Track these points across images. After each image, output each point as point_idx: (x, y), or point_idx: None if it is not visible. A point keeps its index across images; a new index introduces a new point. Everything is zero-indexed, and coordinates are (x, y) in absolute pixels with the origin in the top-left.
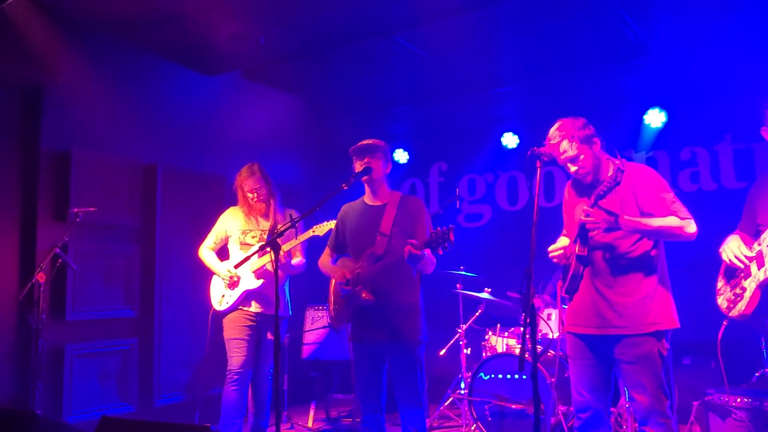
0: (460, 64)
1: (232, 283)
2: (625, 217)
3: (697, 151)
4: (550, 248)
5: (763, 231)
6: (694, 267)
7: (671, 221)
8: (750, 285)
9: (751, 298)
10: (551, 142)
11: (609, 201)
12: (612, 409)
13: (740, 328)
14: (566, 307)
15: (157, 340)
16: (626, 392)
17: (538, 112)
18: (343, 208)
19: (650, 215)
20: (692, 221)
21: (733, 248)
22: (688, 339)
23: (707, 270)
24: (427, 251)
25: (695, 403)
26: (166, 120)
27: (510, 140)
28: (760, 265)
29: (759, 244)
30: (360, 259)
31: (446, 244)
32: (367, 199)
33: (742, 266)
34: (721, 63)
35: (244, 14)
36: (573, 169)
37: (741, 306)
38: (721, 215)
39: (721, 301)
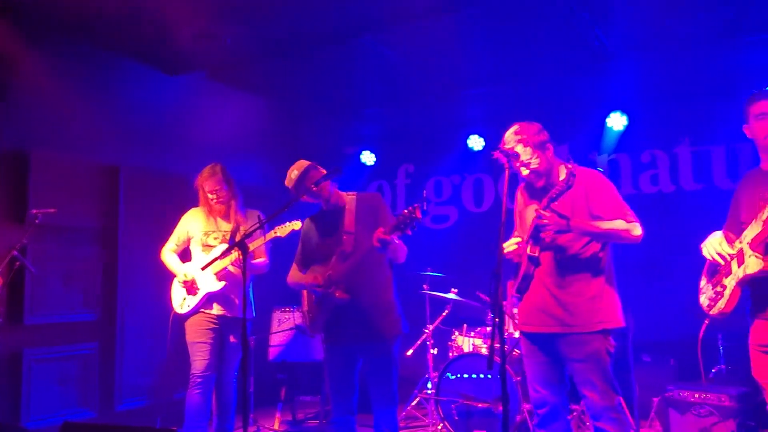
0: (427, 66)
1: (189, 289)
2: (576, 220)
3: (657, 153)
4: (505, 244)
5: (745, 229)
6: (654, 268)
7: (618, 224)
8: (730, 283)
9: (731, 296)
10: (506, 145)
11: (561, 204)
12: (575, 407)
13: (699, 326)
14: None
15: (119, 344)
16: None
17: (504, 115)
18: (305, 222)
19: (599, 218)
20: (638, 224)
21: (714, 244)
22: (648, 337)
23: (666, 270)
24: (395, 237)
25: (655, 399)
26: (130, 120)
27: (476, 143)
28: (740, 263)
29: (740, 242)
30: (329, 262)
31: (414, 224)
32: (326, 207)
33: (722, 262)
34: (680, 68)
35: (210, 13)
36: (525, 172)
37: (721, 304)
38: (680, 216)
39: (703, 300)
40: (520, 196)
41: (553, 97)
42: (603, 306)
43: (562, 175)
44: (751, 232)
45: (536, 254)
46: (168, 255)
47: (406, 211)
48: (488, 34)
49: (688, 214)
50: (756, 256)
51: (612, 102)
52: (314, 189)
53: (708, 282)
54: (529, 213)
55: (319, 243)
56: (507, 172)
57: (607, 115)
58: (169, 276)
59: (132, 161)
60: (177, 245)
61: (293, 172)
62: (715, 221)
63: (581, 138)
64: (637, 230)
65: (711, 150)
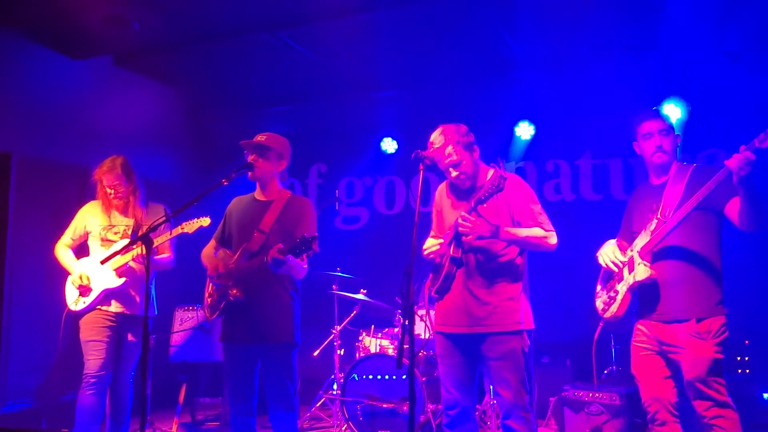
0: (342, 66)
1: (83, 292)
2: (506, 228)
3: (560, 163)
4: (426, 245)
5: (636, 238)
6: (554, 272)
7: (537, 232)
8: (622, 288)
9: (622, 300)
10: (435, 146)
11: (487, 207)
12: (477, 406)
13: (594, 329)
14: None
15: (4, 342)
16: (491, 390)
17: (417, 118)
18: (234, 200)
19: (519, 224)
20: (554, 233)
21: (608, 253)
22: (546, 339)
23: (566, 275)
24: (290, 258)
25: (552, 399)
26: (25, 104)
27: (389, 145)
28: (631, 270)
29: (631, 250)
30: (237, 252)
31: (309, 252)
32: (257, 194)
33: (615, 269)
34: (584, 83)
35: None
36: (454, 174)
37: (614, 308)
38: (580, 224)
39: (598, 304)
40: (441, 197)
41: (464, 103)
42: (520, 307)
43: (489, 176)
44: (641, 241)
45: (459, 255)
46: (62, 251)
47: (305, 236)
48: (402, 37)
49: (587, 222)
50: (644, 264)
51: (521, 111)
52: (258, 160)
53: (603, 287)
54: (450, 212)
55: (237, 229)
56: (421, 173)
57: (515, 123)
58: (64, 271)
59: (26, 148)
60: (73, 239)
61: (262, 136)
62: (612, 230)
63: (490, 145)
64: (553, 239)
65: (609, 163)
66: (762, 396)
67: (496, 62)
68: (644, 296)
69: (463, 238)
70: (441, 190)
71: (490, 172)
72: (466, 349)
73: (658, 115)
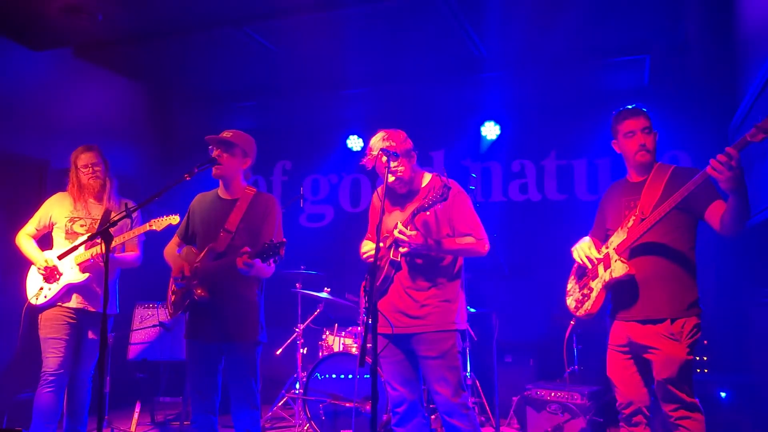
0: (309, 62)
1: (49, 276)
2: (439, 242)
3: (526, 163)
4: (364, 249)
5: (611, 235)
6: (519, 272)
7: (468, 241)
8: (597, 285)
9: (596, 297)
10: (372, 153)
11: (429, 215)
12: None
13: (557, 329)
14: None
15: None
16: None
17: (384, 116)
18: (197, 197)
19: (454, 230)
20: (486, 240)
21: (584, 248)
22: (510, 338)
23: (530, 275)
24: (258, 261)
25: (515, 398)
26: None
27: (355, 143)
28: (606, 267)
29: (606, 248)
30: (202, 251)
31: (276, 258)
32: (220, 191)
33: (590, 266)
34: (549, 85)
35: None
36: (391, 179)
37: (588, 305)
38: (545, 224)
39: (570, 302)
40: (377, 200)
41: (432, 102)
42: (456, 308)
43: (425, 182)
44: (617, 238)
45: (398, 259)
46: (24, 240)
47: (273, 241)
48: (369, 34)
49: (552, 222)
50: (621, 261)
51: (487, 111)
52: (222, 156)
53: (576, 284)
54: (391, 219)
55: (200, 227)
56: (387, 176)
57: (481, 123)
58: (22, 263)
59: None
60: (37, 229)
61: (228, 133)
62: (576, 230)
63: (456, 144)
64: (485, 246)
65: (574, 164)
66: (719, 395)
67: (463, 61)
68: (619, 294)
69: (401, 248)
70: (378, 193)
71: (428, 177)
72: (405, 348)
73: (640, 112)
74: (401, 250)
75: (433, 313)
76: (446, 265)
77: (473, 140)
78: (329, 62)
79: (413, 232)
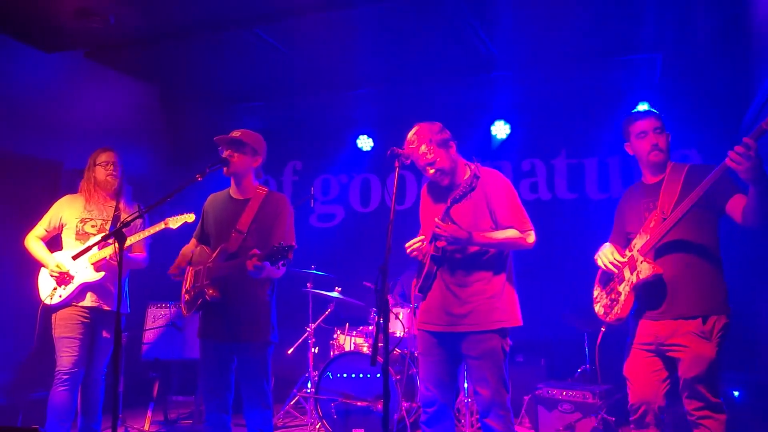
0: (319, 63)
1: (61, 280)
2: (476, 234)
3: (536, 163)
4: (408, 243)
5: (633, 238)
6: (529, 271)
7: (512, 234)
8: (624, 289)
9: (625, 301)
10: (410, 146)
11: (463, 206)
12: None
13: (567, 329)
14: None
15: None
16: (465, 389)
17: (393, 116)
18: (209, 197)
19: (496, 221)
20: (532, 232)
21: (607, 254)
22: (521, 337)
23: (541, 274)
24: (267, 263)
25: (526, 398)
26: None
27: (365, 143)
28: (632, 269)
29: (630, 250)
30: (215, 251)
31: (284, 261)
32: (232, 191)
33: (616, 271)
34: (559, 84)
35: None
36: (431, 172)
37: (617, 309)
38: (555, 223)
39: (598, 309)
40: (424, 196)
41: (441, 101)
42: (501, 305)
43: (467, 175)
44: (640, 240)
45: (439, 254)
46: (33, 242)
47: (282, 244)
48: (379, 34)
49: (562, 221)
50: (647, 262)
51: (497, 111)
52: (233, 155)
53: (602, 291)
54: (432, 210)
55: (213, 227)
56: (397, 171)
57: (491, 122)
58: (33, 264)
59: None
60: (47, 231)
61: (237, 132)
62: (587, 229)
63: (467, 143)
64: (531, 238)
65: (584, 163)
66: (732, 394)
67: (473, 61)
68: (647, 295)
69: (438, 243)
70: (424, 190)
71: (468, 171)
72: (447, 348)
73: (651, 113)
74: (438, 244)
75: (475, 311)
76: (489, 260)
77: (483, 139)
78: (339, 62)
79: (446, 226)
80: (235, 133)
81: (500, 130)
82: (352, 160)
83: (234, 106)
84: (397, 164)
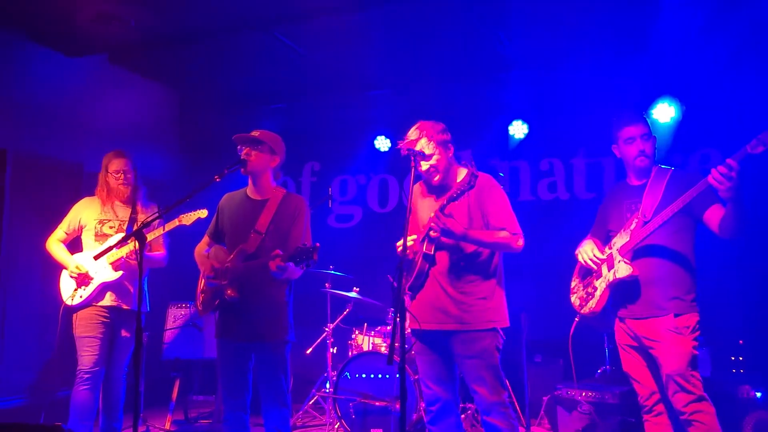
0: (336, 64)
1: (81, 282)
2: (472, 231)
3: (555, 162)
4: (399, 242)
5: (614, 236)
6: (549, 271)
7: (503, 235)
8: (600, 285)
9: (600, 296)
10: (409, 138)
11: (459, 204)
12: (470, 405)
13: (586, 329)
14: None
15: None
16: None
17: (411, 117)
18: (225, 196)
19: (488, 223)
20: (521, 236)
21: (587, 251)
22: (539, 338)
23: (560, 274)
24: (291, 264)
25: (545, 398)
26: (20, 101)
27: (382, 143)
28: (610, 267)
29: (609, 248)
30: (232, 253)
31: (309, 262)
32: (249, 191)
33: (595, 267)
34: (577, 83)
35: None
36: (425, 166)
37: (592, 304)
38: (574, 223)
39: (574, 299)
40: (415, 196)
41: (459, 101)
42: (493, 305)
43: (461, 177)
44: (620, 240)
45: (431, 252)
46: (55, 245)
47: (307, 245)
48: (396, 35)
49: (581, 220)
50: (625, 262)
51: (514, 110)
52: (251, 155)
53: (580, 282)
54: (423, 209)
55: (230, 227)
56: (413, 170)
57: (509, 122)
58: (59, 267)
59: (21, 145)
60: (67, 234)
61: (255, 132)
62: None
63: (484, 143)
64: (520, 242)
65: (603, 162)
66: (755, 395)
67: (490, 60)
68: (622, 293)
69: (431, 233)
70: (415, 190)
71: (463, 173)
72: (441, 346)
73: (639, 119)
74: (431, 234)
75: (469, 311)
76: (482, 261)
77: (501, 139)
78: (357, 63)
79: (444, 218)
80: (254, 133)
81: (518, 129)
82: (370, 160)
83: (253, 108)
84: (412, 164)
